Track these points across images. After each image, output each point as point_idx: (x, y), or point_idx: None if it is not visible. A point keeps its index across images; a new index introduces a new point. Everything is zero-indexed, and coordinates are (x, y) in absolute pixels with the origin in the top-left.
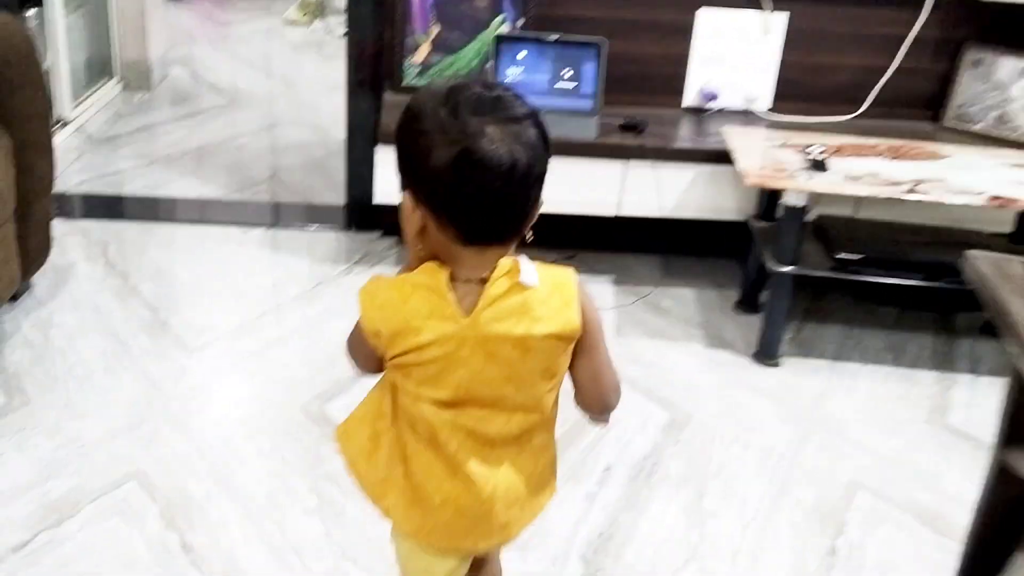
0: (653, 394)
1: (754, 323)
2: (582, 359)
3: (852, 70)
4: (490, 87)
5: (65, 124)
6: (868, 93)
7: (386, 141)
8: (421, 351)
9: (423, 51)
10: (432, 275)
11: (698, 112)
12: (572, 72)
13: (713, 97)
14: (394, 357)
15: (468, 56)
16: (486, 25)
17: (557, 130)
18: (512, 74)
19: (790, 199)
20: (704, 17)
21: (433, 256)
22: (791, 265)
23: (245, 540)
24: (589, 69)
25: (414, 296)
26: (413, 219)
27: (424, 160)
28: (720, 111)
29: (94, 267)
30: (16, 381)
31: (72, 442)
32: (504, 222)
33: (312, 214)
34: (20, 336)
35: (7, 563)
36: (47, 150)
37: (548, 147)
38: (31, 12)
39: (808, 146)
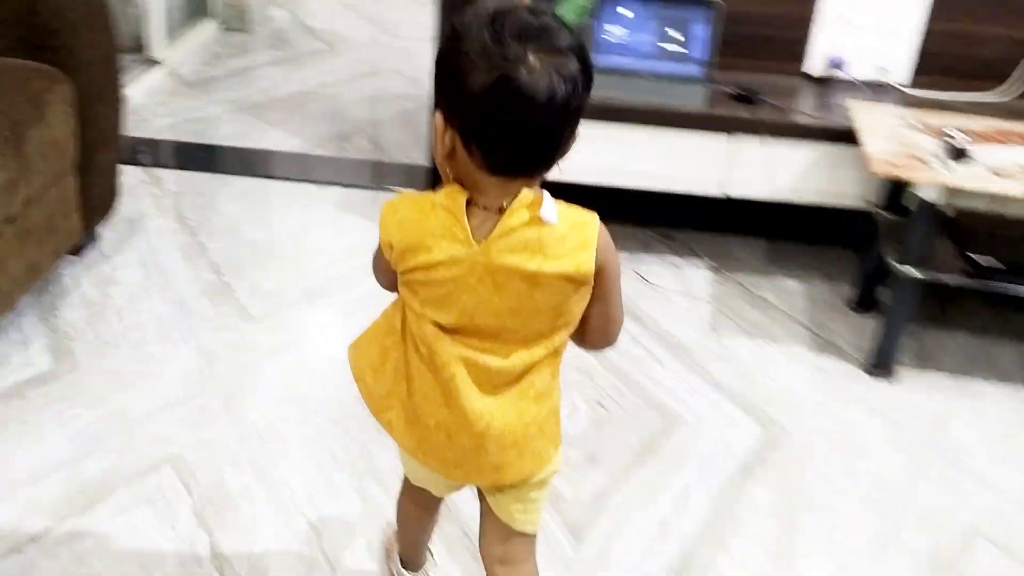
0: (745, 403)
1: (868, 326)
2: (596, 305)
3: (1008, 42)
4: (537, 14)
5: (157, 64)
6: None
7: None
8: (430, 270)
9: None
10: (452, 197)
11: (821, 81)
12: (681, 34)
13: (839, 64)
14: (404, 272)
15: (568, 9)
16: None
17: (660, 97)
18: (614, 33)
19: (923, 193)
20: None
21: (459, 179)
22: (919, 267)
23: (277, 545)
24: (700, 31)
25: (432, 215)
26: (444, 140)
27: (461, 82)
28: (846, 81)
29: (165, 220)
30: (67, 343)
31: (114, 416)
32: (533, 155)
33: (395, 173)
34: (79, 293)
35: (24, 554)
36: (114, 97)
37: (590, 82)
38: None
39: (947, 129)
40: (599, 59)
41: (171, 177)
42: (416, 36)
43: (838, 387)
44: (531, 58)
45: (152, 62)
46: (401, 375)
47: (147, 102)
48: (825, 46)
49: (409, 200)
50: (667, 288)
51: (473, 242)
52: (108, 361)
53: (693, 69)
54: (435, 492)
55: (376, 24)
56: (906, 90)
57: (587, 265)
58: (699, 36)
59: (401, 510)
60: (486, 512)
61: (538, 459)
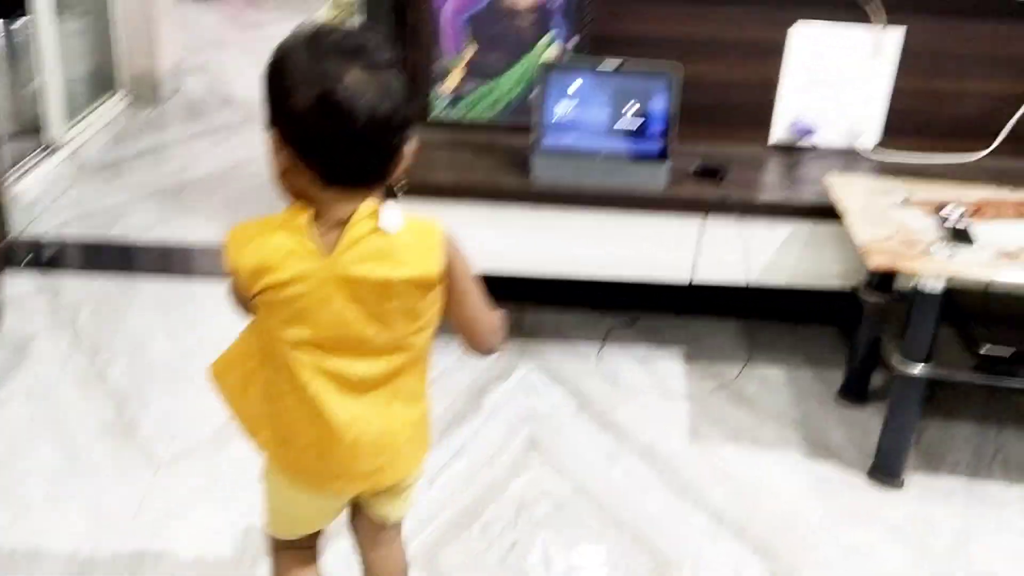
0: (744, 532)
1: (864, 420)
2: (456, 307)
3: (981, 99)
4: (355, 33)
5: (56, 149)
6: (1001, 127)
7: (408, 192)
8: (281, 288)
9: (455, 78)
10: (294, 215)
11: (789, 150)
12: (637, 107)
13: (808, 132)
14: (257, 294)
15: (509, 83)
16: (531, 46)
17: (617, 178)
18: (563, 109)
19: (925, 284)
20: (800, 34)
21: (301, 196)
22: (923, 363)
23: None
24: (658, 103)
25: (276, 235)
26: (278, 159)
27: (286, 101)
28: (816, 149)
29: (59, 340)
30: None
31: None
32: (364, 166)
33: None
34: None
35: None
36: None
37: (410, 95)
38: (18, 23)
39: (942, 206)
40: (548, 140)
41: (69, 284)
42: None
43: (844, 502)
44: (350, 74)
45: (51, 147)
46: (266, 397)
47: (44, 194)
48: (792, 112)
49: (253, 224)
50: (638, 387)
51: (320, 256)
52: None
53: (652, 145)
54: (313, 524)
55: None
56: (881, 155)
57: (433, 270)
58: (656, 108)
59: None
60: (358, 513)
61: (412, 461)
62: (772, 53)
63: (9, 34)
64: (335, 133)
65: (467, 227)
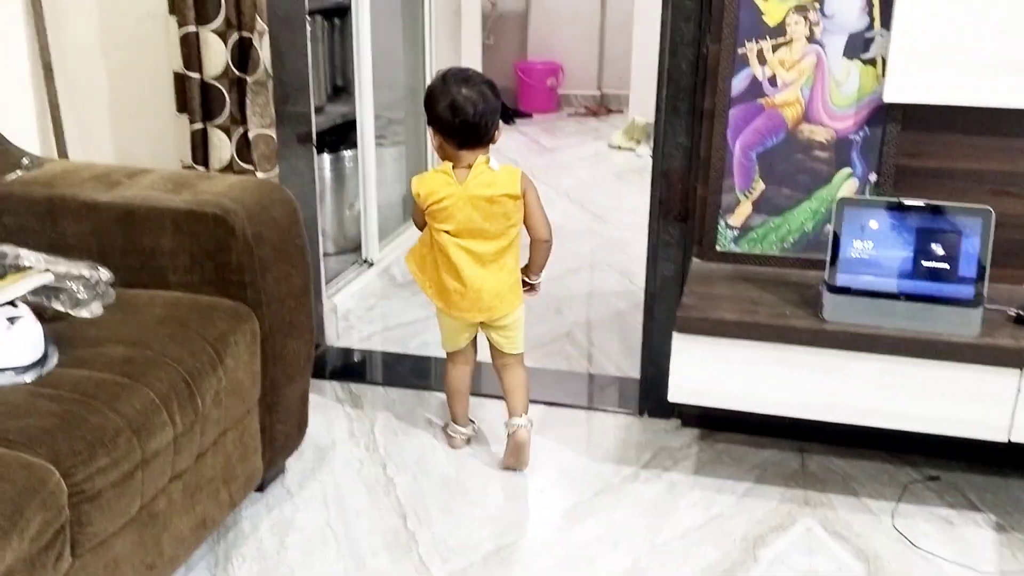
0: None
1: None
2: (527, 214)
3: None
4: (464, 69)
5: (371, 265)
6: None
7: (686, 329)
8: (439, 202)
9: (743, 212)
10: (445, 167)
11: None
12: (943, 247)
13: None
14: (427, 208)
15: (800, 219)
16: (826, 181)
17: (922, 324)
18: (860, 247)
19: None
20: None
21: (447, 158)
22: None
23: None
24: (969, 245)
25: (436, 176)
26: (435, 139)
27: (435, 107)
28: None
29: (355, 448)
30: None
31: None
32: (475, 137)
33: (606, 390)
34: (255, 540)
35: None
36: (304, 330)
37: (497, 95)
38: (347, 153)
39: None
40: (842, 278)
41: (369, 394)
42: (633, 223)
43: None
44: (462, 91)
45: (367, 263)
46: (433, 267)
47: (357, 306)
48: None
49: (427, 173)
50: (939, 556)
51: (458, 185)
52: None
53: (962, 289)
54: (461, 341)
55: (591, 211)
56: None
57: (515, 188)
58: (967, 249)
59: (450, 382)
60: (492, 349)
61: (509, 306)
62: None
63: (336, 165)
64: (458, 120)
65: (751, 366)
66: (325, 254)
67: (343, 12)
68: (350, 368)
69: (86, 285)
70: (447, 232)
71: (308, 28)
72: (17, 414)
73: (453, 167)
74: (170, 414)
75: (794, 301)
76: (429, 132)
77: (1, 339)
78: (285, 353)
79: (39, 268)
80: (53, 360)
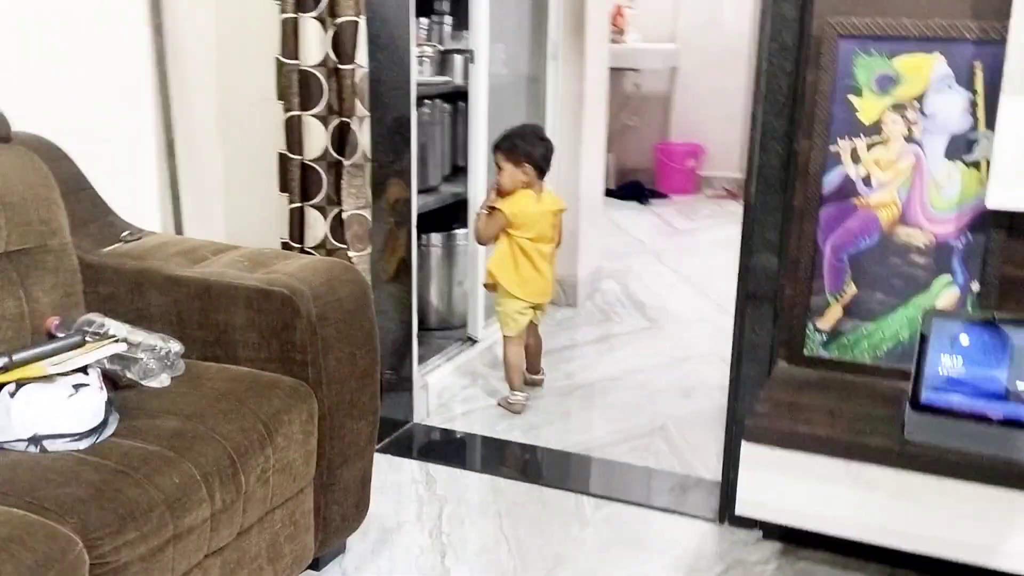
0: None
1: None
2: (557, 226)
3: None
4: (538, 128)
5: (475, 342)
6: None
7: (755, 439)
8: (524, 217)
9: (832, 315)
10: (528, 190)
11: None
12: None
13: None
14: (513, 222)
15: (895, 326)
16: (924, 288)
17: (1018, 451)
18: (950, 363)
19: None
20: None
21: (526, 185)
22: None
23: None
24: None
25: (522, 198)
26: (525, 171)
27: (534, 151)
28: None
29: (419, 534)
30: None
31: None
32: (548, 171)
33: (684, 488)
34: None
35: None
36: (367, 411)
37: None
38: (460, 232)
39: None
40: (928, 396)
41: (445, 476)
42: None
43: None
44: (543, 142)
45: (470, 340)
46: (514, 265)
47: (453, 383)
48: None
49: (515, 197)
50: None
51: (536, 203)
52: None
53: None
54: (523, 322)
55: (711, 299)
56: None
57: (562, 206)
58: None
59: (511, 358)
60: (528, 324)
61: (550, 294)
62: None
63: (448, 242)
64: (547, 162)
65: (823, 483)
66: (429, 329)
67: (466, 96)
68: (432, 447)
69: (156, 356)
70: (528, 239)
71: (415, 115)
72: (58, 481)
73: (531, 189)
74: (210, 490)
75: (880, 416)
76: (508, 168)
77: (63, 406)
78: (344, 433)
79: (119, 337)
80: (111, 428)
